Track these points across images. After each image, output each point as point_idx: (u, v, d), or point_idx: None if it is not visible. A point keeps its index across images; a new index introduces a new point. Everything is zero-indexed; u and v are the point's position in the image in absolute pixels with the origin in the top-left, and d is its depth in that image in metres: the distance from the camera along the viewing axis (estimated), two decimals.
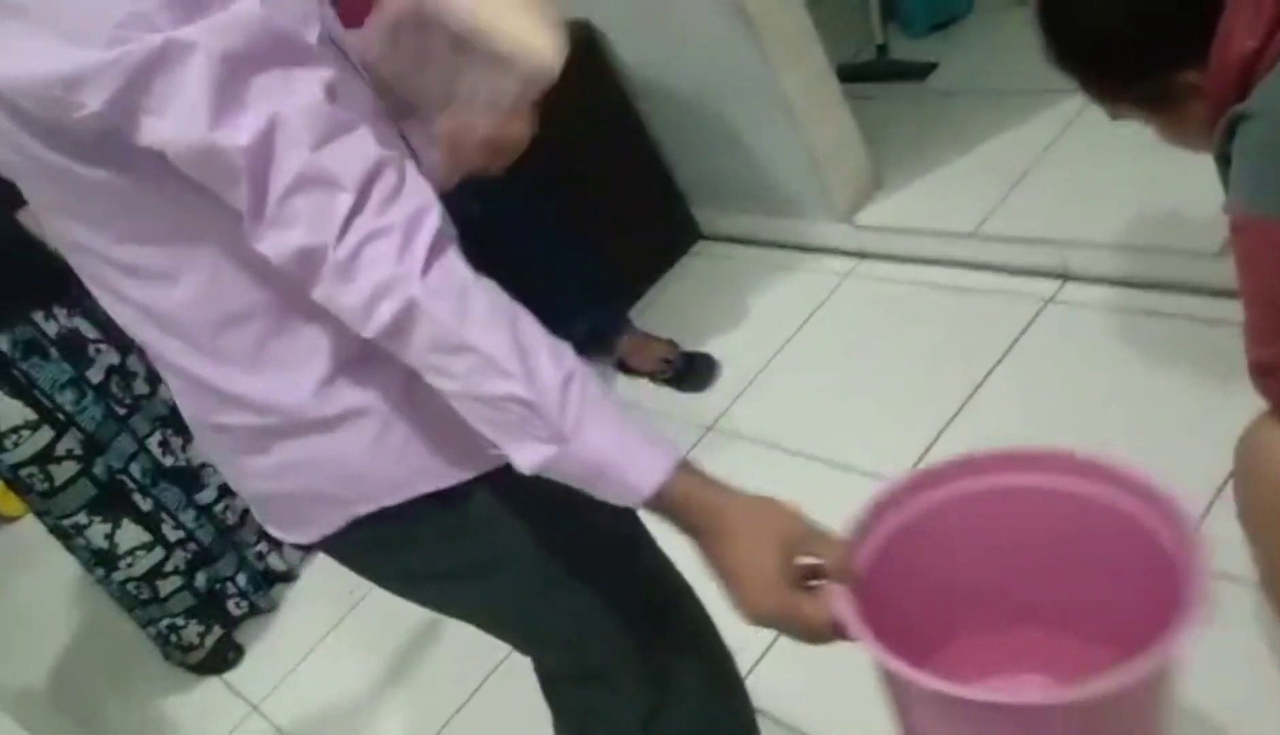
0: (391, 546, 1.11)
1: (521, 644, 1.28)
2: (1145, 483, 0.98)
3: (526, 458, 0.92)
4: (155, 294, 0.98)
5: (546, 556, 1.12)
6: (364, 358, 1.00)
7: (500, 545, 1.11)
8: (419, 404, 1.02)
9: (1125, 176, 2.21)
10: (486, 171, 1.24)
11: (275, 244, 0.87)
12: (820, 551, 0.95)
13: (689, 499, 0.93)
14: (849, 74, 2.83)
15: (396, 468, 1.05)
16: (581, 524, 1.07)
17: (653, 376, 2.57)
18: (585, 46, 2.63)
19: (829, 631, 0.93)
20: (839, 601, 0.91)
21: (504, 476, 0.99)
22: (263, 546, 2.58)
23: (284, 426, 1.03)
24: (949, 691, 0.86)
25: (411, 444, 1.04)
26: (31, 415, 2.14)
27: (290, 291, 0.93)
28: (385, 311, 0.88)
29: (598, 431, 0.92)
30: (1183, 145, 1.25)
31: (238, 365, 1.01)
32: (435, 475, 1.06)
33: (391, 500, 1.06)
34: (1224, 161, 1.09)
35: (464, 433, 0.95)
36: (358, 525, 1.08)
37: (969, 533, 1.05)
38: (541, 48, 1.09)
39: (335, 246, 0.86)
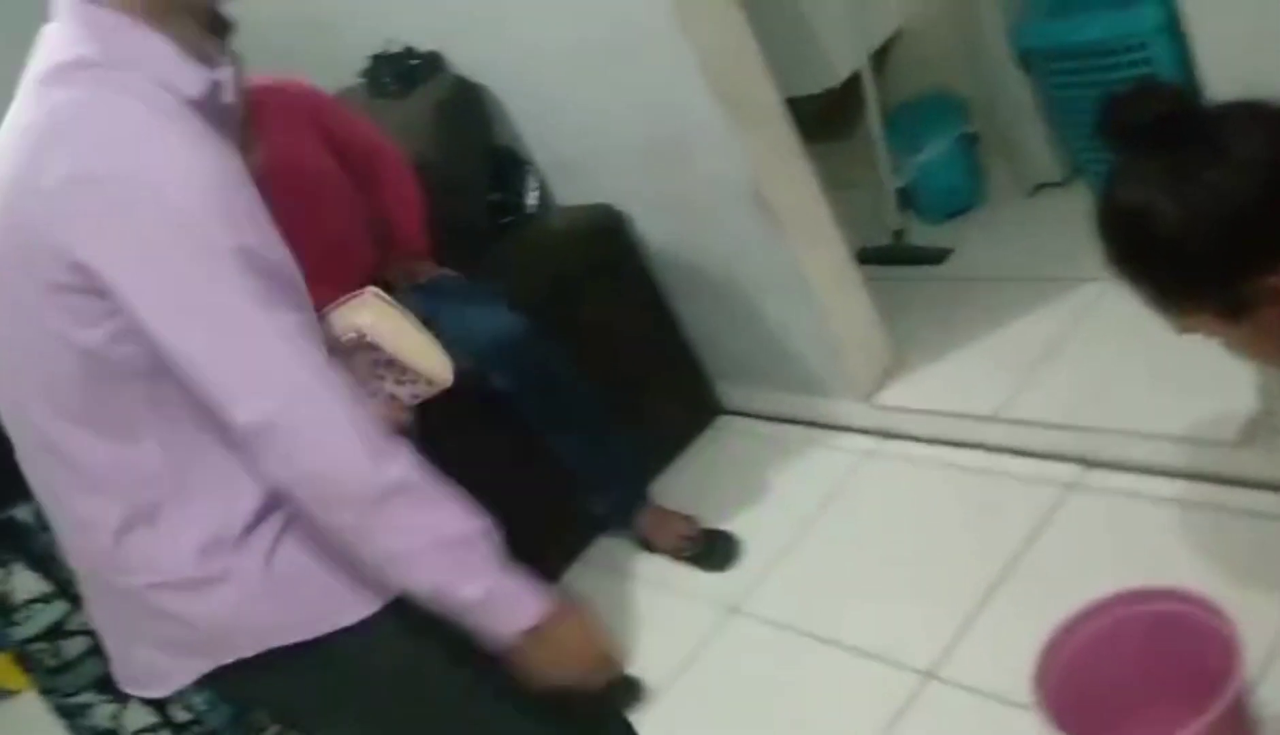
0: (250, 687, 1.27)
1: None
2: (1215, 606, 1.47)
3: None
4: (120, 455, 1.16)
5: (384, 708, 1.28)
6: (242, 527, 1.17)
7: (351, 691, 1.26)
8: (283, 569, 1.18)
9: (1142, 364, 2.22)
10: None
11: None
12: None
13: None
14: (867, 257, 2.90)
15: (259, 621, 1.19)
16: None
17: (674, 554, 2.54)
18: (609, 228, 2.71)
19: None
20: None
21: (362, 632, 1.20)
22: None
23: (171, 583, 1.18)
24: None
25: (275, 602, 1.19)
26: (47, 587, 2.12)
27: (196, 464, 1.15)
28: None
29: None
30: (1258, 355, 1.18)
31: (157, 524, 1.17)
32: (295, 629, 1.20)
33: (251, 651, 1.19)
34: None
35: (323, 594, 1.18)
36: (212, 674, 1.22)
37: (1120, 644, 1.55)
38: (439, 368, 1.59)
39: None
